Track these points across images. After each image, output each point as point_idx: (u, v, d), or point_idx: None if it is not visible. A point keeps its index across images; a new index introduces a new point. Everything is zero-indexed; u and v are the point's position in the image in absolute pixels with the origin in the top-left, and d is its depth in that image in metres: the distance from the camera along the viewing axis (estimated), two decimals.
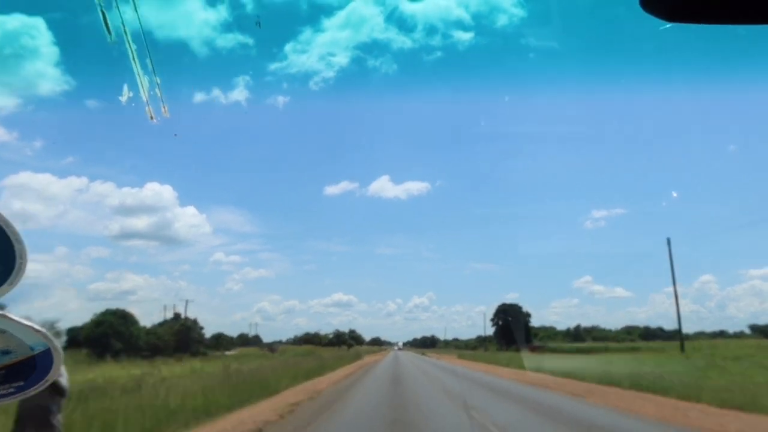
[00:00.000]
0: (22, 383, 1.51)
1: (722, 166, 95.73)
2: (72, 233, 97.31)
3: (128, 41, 2.50)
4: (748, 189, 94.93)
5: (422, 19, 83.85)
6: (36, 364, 1.49)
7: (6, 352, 1.43)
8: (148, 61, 2.57)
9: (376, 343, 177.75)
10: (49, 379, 1.51)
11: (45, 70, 74.46)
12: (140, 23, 2.49)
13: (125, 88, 2.69)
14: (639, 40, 55.18)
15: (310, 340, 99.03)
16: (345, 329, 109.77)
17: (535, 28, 64.30)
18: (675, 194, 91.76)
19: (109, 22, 2.41)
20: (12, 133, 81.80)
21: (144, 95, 2.57)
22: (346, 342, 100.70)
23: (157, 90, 2.61)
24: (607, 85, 47.68)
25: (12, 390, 1.51)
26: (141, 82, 2.56)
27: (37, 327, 1.39)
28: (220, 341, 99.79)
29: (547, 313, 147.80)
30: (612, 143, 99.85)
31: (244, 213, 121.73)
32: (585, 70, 57.36)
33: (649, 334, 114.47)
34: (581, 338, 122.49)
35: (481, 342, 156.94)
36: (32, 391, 1.55)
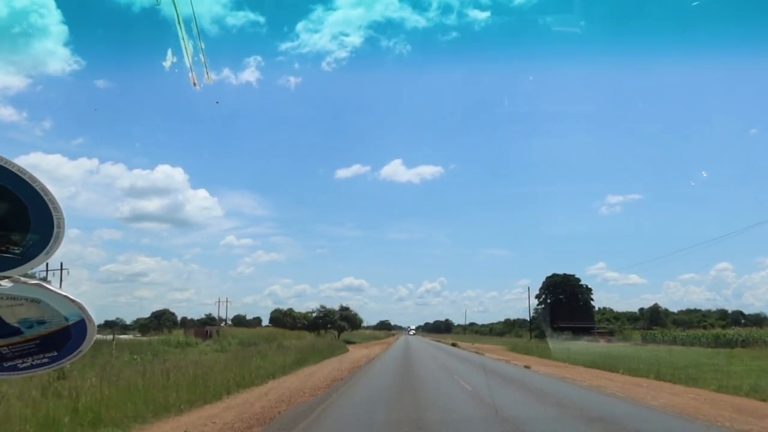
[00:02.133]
0: (55, 353, 1.52)
1: (744, 151, 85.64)
2: (83, 215, 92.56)
3: (175, 6, 2.46)
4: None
5: None
6: (71, 335, 1.48)
7: (41, 322, 1.43)
8: (193, 25, 2.57)
9: (384, 327, 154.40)
10: (83, 349, 1.52)
11: (54, 49, 71.09)
12: None
13: (169, 52, 2.74)
14: (661, 18, 52.92)
15: (279, 320, 68.10)
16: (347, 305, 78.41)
17: (554, 6, 60.85)
18: (705, 174, 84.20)
19: None
20: (22, 113, 79.87)
21: (188, 60, 2.55)
22: (335, 325, 69.57)
23: (201, 55, 2.62)
24: (627, 65, 45.57)
25: (46, 360, 1.52)
26: (185, 47, 2.53)
27: (72, 297, 1.41)
28: (162, 321, 71.09)
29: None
30: (631, 126, 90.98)
31: (255, 196, 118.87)
32: (605, 52, 51.75)
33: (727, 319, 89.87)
34: (656, 322, 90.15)
35: (509, 327, 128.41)
36: (66, 362, 1.56)
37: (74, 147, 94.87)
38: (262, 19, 74.89)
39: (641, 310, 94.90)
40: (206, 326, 57.88)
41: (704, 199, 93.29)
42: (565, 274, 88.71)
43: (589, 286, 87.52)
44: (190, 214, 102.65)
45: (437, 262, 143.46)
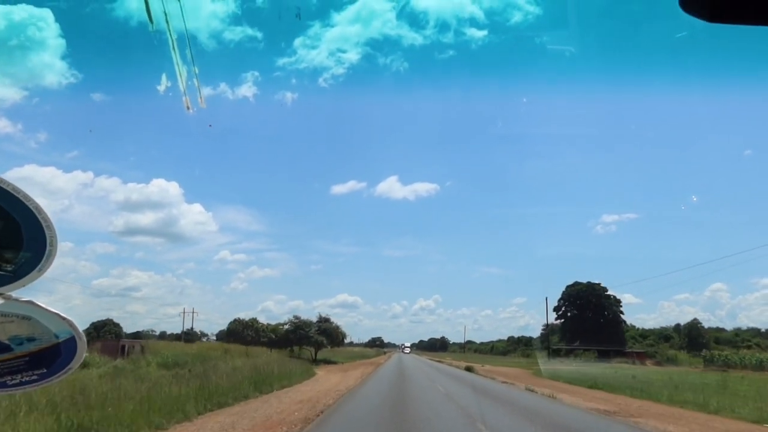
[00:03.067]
0: (44, 370, 1.52)
1: (737, 172, 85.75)
2: (77, 228, 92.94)
3: (169, 30, 2.53)
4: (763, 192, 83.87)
5: (434, 15, 77.40)
6: (61, 352, 1.49)
7: (31, 339, 1.44)
8: (187, 51, 2.67)
9: (376, 344, 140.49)
10: (72, 367, 1.53)
11: (51, 62, 72.07)
12: (183, 16, 2.66)
13: (163, 77, 2.96)
14: (655, 40, 54.24)
15: (237, 333, 53.43)
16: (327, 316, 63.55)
17: (550, 27, 65.94)
18: (695, 198, 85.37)
19: (151, 10, 2.48)
20: (17, 125, 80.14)
21: (182, 85, 2.63)
22: (311, 340, 55.28)
23: (195, 80, 2.74)
24: (622, 86, 45.82)
25: (35, 377, 1.52)
26: (179, 72, 2.58)
27: (63, 315, 1.43)
28: (102, 333, 57.10)
29: (553, 318, 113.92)
30: (626, 146, 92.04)
31: (250, 211, 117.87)
32: (601, 71, 51.62)
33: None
34: (697, 342, 76.12)
35: (514, 345, 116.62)
36: (55, 379, 1.55)
37: (69, 160, 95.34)
38: (259, 35, 75.61)
39: (677, 326, 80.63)
40: (122, 340, 43.22)
41: (698, 219, 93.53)
42: (589, 282, 74.82)
43: (618, 297, 73.25)
44: (184, 228, 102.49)
45: (432, 279, 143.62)
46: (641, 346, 77.17)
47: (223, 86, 79.38)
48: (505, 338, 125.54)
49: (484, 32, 72.58)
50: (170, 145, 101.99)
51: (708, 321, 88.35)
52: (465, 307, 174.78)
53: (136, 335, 65.14)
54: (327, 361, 61.72)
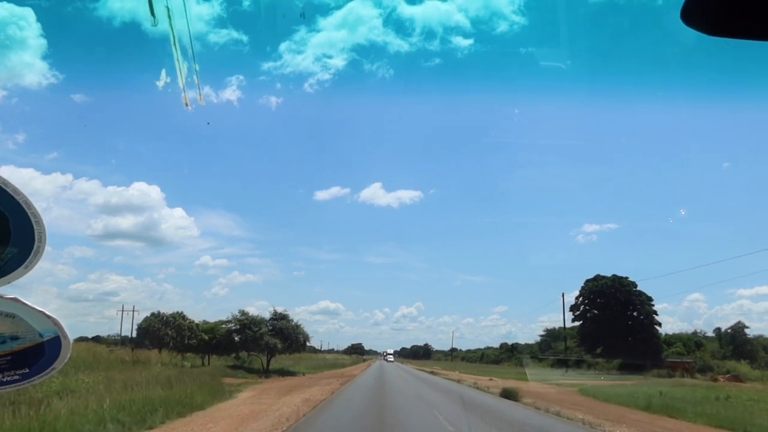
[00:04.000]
0: (27, 370, 1.47)
1: (719, 184, 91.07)
2: (55, 232, 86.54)
3: (171, 26, 2.55)
4: (743, 207, 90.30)
5: (421, 23, 79.88)
6: (44, 351, 1.45)
7: (14, 338, 1.40)
8: (189, 48, 2.74)
9: (356, 351, 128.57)
10: (56, 367, 1.48)
11: (32, 62, 71.99)
12: (186, 14, 2.76)
13: (163, 73, 2.89)
14: (641, 52, 55.73)
15: (153, 333, 38.00)
16: (284, 312, 48.40)
17: (536, 38, 63.69)
18: (683, 212, 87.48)
19: (154, 6, 2.47)
20: None
21: (181, 81, 2.59)
22: (261, 344, 40.63)
23: (195, 77, 2.79)
24: (607, 98, 48.63)
25: (17, 377, 1.46)
26: (179, 68, 2.56)
27: (48, 313, 1.40)
28: None
29: (535, 327, 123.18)
30: (609, 157, 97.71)
31: (233, 216, 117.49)
32: (586, 83, 52.75)
33: None
34: (744, 350, 62.75)
35: (507, 353, 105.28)
36: (37, 380, 1.50)
37: (48, 161, 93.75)
38: (245, 38, 75.88)
39: (718, 331, 67.09)
40: None
41: (680, 230, 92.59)
42: (615, 276, 60.83)
43: (650, 296, 59.33)
44: (165, 232, 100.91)
45: (414, 287, 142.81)
46: (670, 355, 63.29)
47: (207, 89, 72.18)
48: (497, 345, 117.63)
49: (470, 41, 73.67)
50: (153, 149, 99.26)
51: (689, 330, 79.59)
52: (447, 315, 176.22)
53: None
54: (284, 372, 46.63)
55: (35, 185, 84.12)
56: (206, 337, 40.08)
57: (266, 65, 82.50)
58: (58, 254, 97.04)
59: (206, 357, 46.40)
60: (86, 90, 67.96)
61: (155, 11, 2.33)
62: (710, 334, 71.13)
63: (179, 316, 38.65)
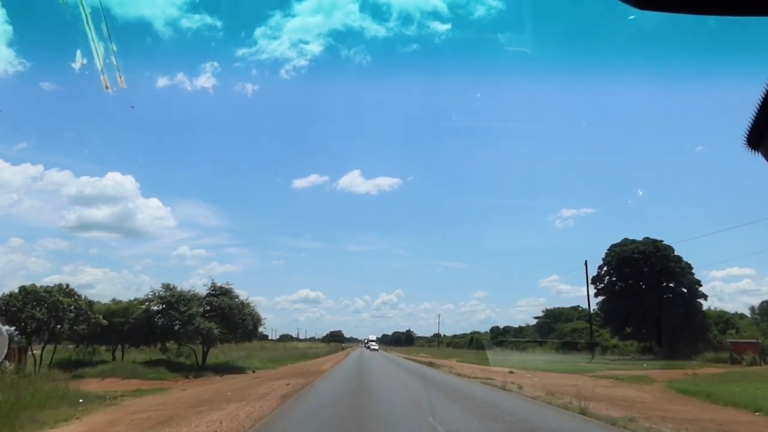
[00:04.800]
0: None
1: (690, 166, 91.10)
2: (26, 224, 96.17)
3: (82, 3, 2.23)
4: (715, 189, 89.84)
5: (398, 7, 78.35)
6: None
7: None
8: (103, 26, 2.26)
9: (335, 338, 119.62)
10: None
11: None
12: None
13: (78, 54, 2.31)
14: (613, 35, 56.10)
15: (13, 315, 25.48)
16: (229, 285, 35.79)
17: (514, 22, 66.84)
18: (641, 192, 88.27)
19: None
20: None
21: (99, 63, 2.10)
22: (189, 330, 27.96)
23: (113, 58, 2.15)
24: (581, 82, 52.25)
25: None
26: (95, 49, 2.23)
27: None
28: None
29: (514, 312, 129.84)
30: (585, 141, 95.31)
31: (210, 206, 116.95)
32: (560, 67, 50.29)
33: None
34: None
35: (499, 338, 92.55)
36: None
37: (17, 152, 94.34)
38: (219, 24, 73.70)
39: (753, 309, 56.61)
40: None
41: (650, 212, 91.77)
42: (647, 238, 49.44)
43: (691, 264, 48.02)
44: (141, 223, 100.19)
45: (394, 274, 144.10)
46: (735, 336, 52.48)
47: (180, 76, 77.55)
48: (480, 330, 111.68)
49: (448, 26, 72.57)
50: (127, 138, 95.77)
51: None
52: (427, 302, 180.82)
53: None
54: (228, 369, 34.21)
55: (4, 176, 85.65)
56: (103, 321, 27.28)
57: (241, 51, 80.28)
58: (31, 247, 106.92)
59: (120, 348, 33.88)
60: (54, 77, 64.27)
61: None
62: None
63: (60, 291, 25.78)
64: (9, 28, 67.01)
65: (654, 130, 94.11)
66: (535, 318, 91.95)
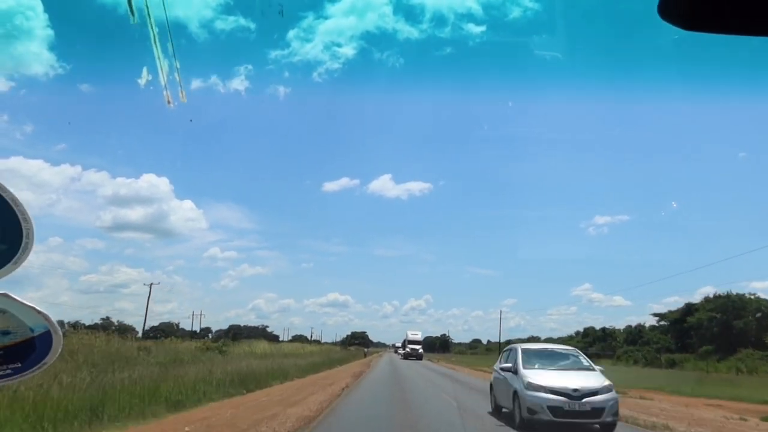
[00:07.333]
0: (19, 365, 1.48)
1: (731, 176, 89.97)
2: (65, 224, 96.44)
3: (151, 24, 2.52)
4: (756, 199, 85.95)
5: (431, 9, 79.36)
6: (35, 346, 1.46)
7: (5, 333, 1.42)
8: (169, 45, 2.70)
9: (359, 341, 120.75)
10: (48, 361, 1.48)
11: (39, 53, 74.26)
12: (165, 9, 2.67)
13: (144, 71, 2.81)
14: (650, 45, 54.61)
15: None
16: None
17: (548, 27, 66.63)
18: (675, 204, 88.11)
19: (133, 4, 2.50)
20: (2, 117, 78.57)
21: (163, 79, 2.63)
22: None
23: (176, 75, 2.79)
24: (618, 90, 53.02)
25: (9, 371, 1.47)
26: (161, 66, 2.58)
27: (38, 308, 1.41)
28: None
29: (544, 320, 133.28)
30: (620, 149, 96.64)
31: (241, 208, 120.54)
32: (597, 74, 53.45)
33: None
34: None
35: (588, 343, 64.13)
36: (29, 374, 1.52)
37: (56, 153, 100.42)
38: (252, 26, 74.06)
39: None
40: None
41: (686, 223, 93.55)
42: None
43: None
44: (174, 225, 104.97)
45: (423, 279, 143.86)
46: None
47: (214, 78, 77.75)
48: (516, 337, 78.00)
49: (482, 28, 70.88)
50: (161, 140, 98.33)
51: None
52: (456, 308, 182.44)
53: None
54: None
55: (44, 176, 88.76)
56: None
57: (274, 53, 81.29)
58: (69, 246, 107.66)
59: None
60: (93, 81, 65.56)
61: (134, 7, 2.40)
62: None
63: None
64: (51, 32, 69.25)
65: (692, 140, 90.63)
66: (654, 315, 64.07)
